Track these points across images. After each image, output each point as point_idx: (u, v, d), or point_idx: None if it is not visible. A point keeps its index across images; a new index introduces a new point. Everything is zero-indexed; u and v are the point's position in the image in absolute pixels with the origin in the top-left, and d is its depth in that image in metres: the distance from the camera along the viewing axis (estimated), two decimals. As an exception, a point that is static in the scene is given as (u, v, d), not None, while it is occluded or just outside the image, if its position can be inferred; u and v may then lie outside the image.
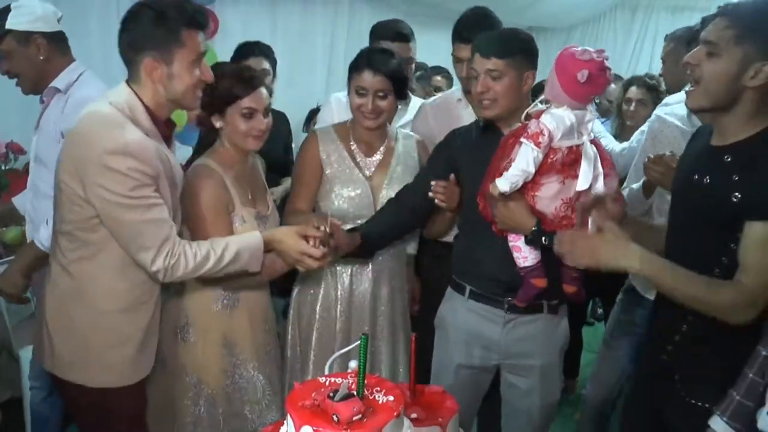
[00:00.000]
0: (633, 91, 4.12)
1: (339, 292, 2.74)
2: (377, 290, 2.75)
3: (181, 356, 2.49)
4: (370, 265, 2.72)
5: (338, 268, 2.73)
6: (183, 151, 4.31)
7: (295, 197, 2.74)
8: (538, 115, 2.19)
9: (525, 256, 2.27)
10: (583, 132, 2.19)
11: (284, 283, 2.90)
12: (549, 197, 2.19)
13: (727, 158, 1.87)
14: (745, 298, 1.77)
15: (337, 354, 1.51)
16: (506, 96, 2.35)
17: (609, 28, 10.16)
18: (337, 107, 3.34)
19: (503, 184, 2.12)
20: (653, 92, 4.08)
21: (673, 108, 3.02)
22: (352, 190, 2.68)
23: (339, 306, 2.73)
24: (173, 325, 2.49)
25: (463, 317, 2.48)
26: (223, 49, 4.99)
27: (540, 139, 2.12)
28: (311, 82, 5.56)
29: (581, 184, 2.16)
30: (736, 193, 1.81)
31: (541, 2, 7.79)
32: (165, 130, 2.24)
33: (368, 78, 2.61)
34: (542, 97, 2.23)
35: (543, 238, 2.20)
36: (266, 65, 3.59)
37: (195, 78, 2.14)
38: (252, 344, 2.55)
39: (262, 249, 2.26)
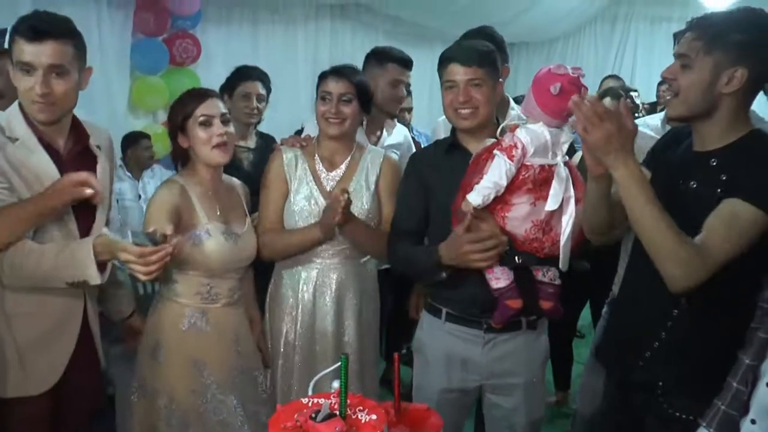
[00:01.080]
0: (608, 102, 4.10)
1: (301, 305, 2.72)
2: (342, 298, 2.73)
3: (155, 378, 2.48)
4: (333, 286, 2.71)
5: (301, 288, 2.72)
6: (166, 176, 4.35)
7: (265, 215, 2.71)
8: (513, 129, 2.20)
9: (497, 277, 2.24)
10: (558, 152, 2.18)
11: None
12: (520, 218, 2.17)
13: (713, 162, 1.88)
14: (701, 262, 1.74)
15: (319, 375, 1.51)
16: (486, 105, 2.36)
17: (590, 40, 10.27)
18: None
19: (475, 197, 2.12)
20: (630, 104, 4.11)
21: (645, 119, 3.05)
22: (308, 205, 2.66)
23: (298, 327, 2.72)
24: (149, 346, 2.49)
25: (441, 340, 2.44)
26: (206, 74, 5.05)
27: (513, 152, 2.12)
28: (294, 104, 5.57)
29: (550, 204, 2.14)
30: (719, 189, 1.82)
31: (522, 17, 7.86)
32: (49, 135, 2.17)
33: (332, 83, 2.63)
34: (516, 112, 2.25)
35: (516, 258, 2.19)
36: (262, 90, 3.60)
37: (23, 85, 2.07)
38: (221, 365, 2.51)
39: (92, 255, 2.04)
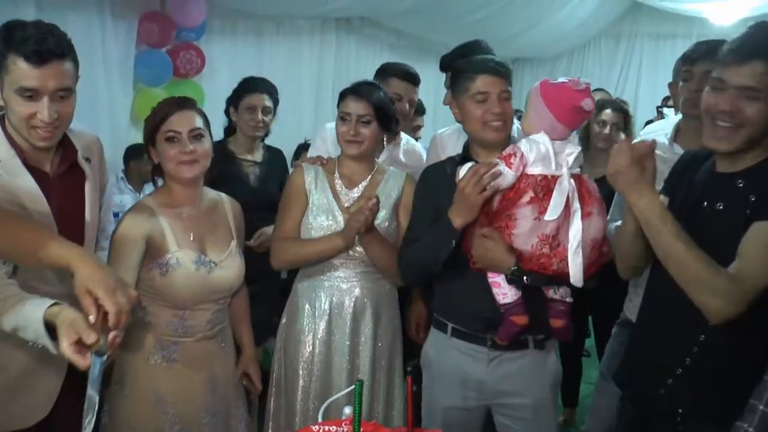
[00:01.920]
0: (608, 114, 4.00)
1: (319, 326, 2.68)
2: (357, 326, 2.69)
3: (119, 409, 2.34)
4: (353, 301, 2.67)
5: (319, 302, 2.68)
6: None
7: (281, 225, 2.69)
8: None
9: (504, 292, 2.21)
10: (563, 164, 2.16)
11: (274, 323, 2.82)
12: (525, 234, 2.13)
13: (740, 183, 1.85)
14: (739, 290, 1.70)
15: (330, 399, 1.47)
16: (512, 117, 2.39)
17: (594, 57, 10.30)
18: (331, 136, 3.33)
19: (463, 169, 2.16)
20: (625, 117, 4.04)
21: (652, 137, 3.01)
22: (326, 220, 2.65)
23: (317, 346, 2.67)
24: (117, 374, 2.35)
25: (446, 356, 2.41)
26: (210, 85, 5.04)
27: (512, 160, 2.13)
28: (299, 117, 5.57)
29: (549, 213, 2.10)
30: (748, 211, 1.79)
31: (526, 33, 7.87)
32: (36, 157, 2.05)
33: (351, 104, 2.63)
34: (516, 125, 2.25)
35: (525, 278, 2.15)
36: (268, 103, 3.55)
37: (25, 112, 1.93)
38: (188, 405, 2.35)
39: (42, 326, 1.68)
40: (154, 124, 2.31)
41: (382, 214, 2.61)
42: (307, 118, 5.82)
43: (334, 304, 2.67)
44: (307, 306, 2.70)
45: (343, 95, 2.69)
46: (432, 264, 2.31)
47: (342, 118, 2.65)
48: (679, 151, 2.62)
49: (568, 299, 2.26)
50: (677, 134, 2.80)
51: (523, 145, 2.15)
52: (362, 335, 2.69)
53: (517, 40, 7.82)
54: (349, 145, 2.64)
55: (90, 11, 4.41)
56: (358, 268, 2.67)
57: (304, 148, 4.65)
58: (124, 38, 4.66)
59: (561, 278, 2.17)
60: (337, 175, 2.72)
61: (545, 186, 2.13)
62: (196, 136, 2.31)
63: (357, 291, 2.67)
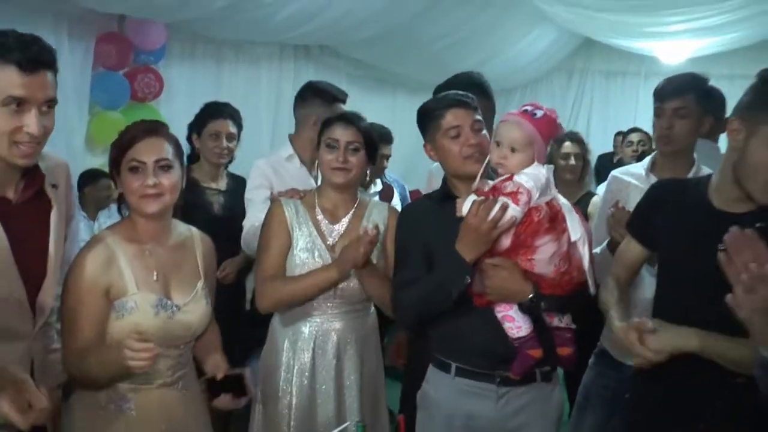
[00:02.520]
0: (568, 146, 4.14)
1: (301, 368, 2.59)
2: (342, 361, 2.60)
3: None
4: (333, 333, 2.59)
5: (299, 345, 2.59)
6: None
7: (265, 264, 2.56)
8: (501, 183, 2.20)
9: (519, 325, 2.18)
10: (551, 186, 2.21)
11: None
12: (547, 258, 2.14)
13: (759, 225, 1.78)
14: None
15: None
16: (488, 146, 2.35)
17: (547, 91, 10.47)
18: (261, 173, 3.23)
19: (467, 203, 2.15)
20: (583, 146, 4.18)
21: (628, 168, 3.07)
22: (311, 257, 2.55)
23: (303, 383, 2.58)
24: (67, 419, 2.20)
25: (449, 397, 2.31)
26: (168, 110, 4.98)
27: (519, 198, 2.12)
28: (256, 144, 5.51)
29: (574, 234, 2.16)
30: None
31: (483, 66, 7.91)
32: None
33: (339, 131, 2.56)
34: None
35: (542, 303, 2.15)
36: (233, 129, 3.49)
37: (9, 125, 1.79)
38: None
39: None
40: (118, 150, 2.12)
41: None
42: (264, 144, 5.78)
43: (317, 345, 2.57)
44: (286, 346, 2.60)
45: (330, 122, 2.61)
46: (442, 302, 2.23)
47: (329, 145, 2.55)
48: (654, 180, 2.68)
49: (572, 325, 2.26)
50: (653, 165, 2.88)
51: (525, 180, 2.15)
52: (347, 373, 2.60)
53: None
54: (336, 174, 2.55)
55: (45, 31, 4.30)
56: (343, 307, 2.58)
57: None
58: (80, 60, 4.57)
59: (574, 297, 2.19)
60: (318, 209, 2.62)
61: (552, 210, 2.18)
62: (163, 167, 2.11)
63: (339, 329, 2.58)
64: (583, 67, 10.44)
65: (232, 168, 3.70)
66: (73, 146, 4.49)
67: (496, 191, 2.18)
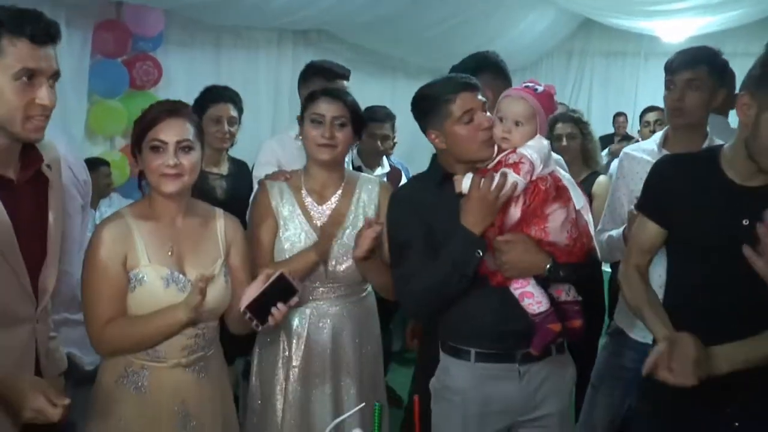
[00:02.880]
0: (560, 127, 4.06)
1: (296, 355, 2.55)
2: (338, 346, 2.56)
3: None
4: (328, 320, 2.55)
5: (294, 323, 2.55)
6: (125, 204, 4.23)
7: (258, 259, 2.49)
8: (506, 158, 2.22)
9: (539, 300, 2.17)
10: (552, 158, 2.26)
11: (242, 341, 2.66)
12: (559, 225, 2.16)
13: None
14: None
15: (336, 421, 1.42)
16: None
17: (546, 73, 10.44)
18: (282, 146, 3.27)
19: (466, 180, 2.17)
20: (580, 124, 4.12)
21: (641, 144, 3.03)
22: (299, 241, 2.50)
23: (297, 370, 2.54)
24: (91, 395, 2.24)
25: (472, 384, 2.27)
26: (167, 96, 4.92)
27: (521, 168, 2.15)
28: (256, 129, 5.48)
29: (578, 201, 2.19)
30: None
31: (483, 49, 7.94)
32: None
33: (324, 105, 2.48)
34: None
35: (560, 272, 2.17)
36: (234, 113, 3.46)
37: (22, 98, 1.81)
38: None
39: None
40: (140, 129, 2.15)
41: (360, 226, 2.45)
42: (264, 129, 5.76)
43: (311, 330, 2.53)
44: (282, 334, 2.55)
45: (314, 96, 2.53)
46: (457, 283, 2.20)
47: (314, 120, 2.47)
48: None
49: (579, 297, 2.28)
50: (666, 140, 2.84)
51: (528, 152, 2.17)
52: (344, 359, 2.55)
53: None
54: (322, 150, 2.48)
55: (43, 19, 4.32)
56: (337, 291, 2.55)
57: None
58: (78, 48, 4.54)
59: (585, 264, 2.23)
60: (304, 190, 2.56)
61: (555, 180, 2.21)
62: (184, 147, 2.14)
63: (335, 312, 2.55)
64: (582, 48, 10.42)
65: (233, 152, 3.68)
66: (72, 135, 4.46)
67: (500, 165, 2.19)
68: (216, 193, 3.38)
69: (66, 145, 2.53)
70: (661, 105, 2.97)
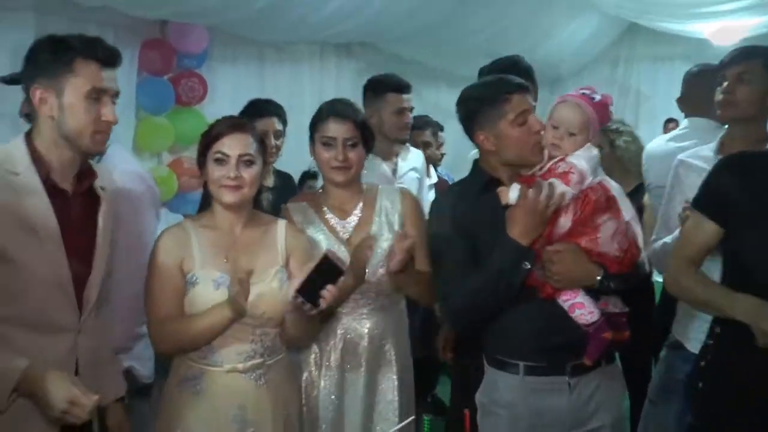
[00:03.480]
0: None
1: (332, 365, 2.54)
2: (373, 362, 2.53)
3: None
4: (365, 330, 2.53)
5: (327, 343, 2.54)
6: (172, 219, 4.28)
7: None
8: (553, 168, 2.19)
9: (591, 310, 2.15)
10: (600, 168, 2.23)
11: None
12: (610, 235, 2.13)
13: None
14: None
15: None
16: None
17: (591, 82, 10.18)
18: None
19: (513, 190, 2.13)
20: (608, 133, 4.00)
21: (696, 151, 2.92)
22: None
23: (332, 381, 2.53)
24: (154, 403, 2.35)
25: (521, 399, 2.24)
26: (212, 113, 5.00)
27: (570, 178, 2.12)
28: (301, 143, 5.50)
29: (627, 213, 2.17)
30: None
31: (525, 58, 7.88)
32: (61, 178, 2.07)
33: (334, 127, 2.47)
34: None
35: (611, 283, 2.14)
36: (279, 126, 3.47)
37: (91, 114, 2.01)
38: None
39: (9, 387, 1.85)
40: (206, 142, 2.28)
41: (388, 238, 2.46)
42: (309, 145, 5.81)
43: (347, 342, 2.51)
44: (315, 347, 2.55)
45: (322, 117, 2.51)
46: (503, 293, 2.17)
47: (325, 143, 2.47)
48: None
49: (625, 309, 2.25)
50: (722, 146, 2.75)
51: (577, 161, 2.14)
52: (381, 374, 2.52)
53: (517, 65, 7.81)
54: (337, 173, 2.48)
55: (92, 39, 4.41)
56: (370, 304, 2.52)
57: (309, 176, 4.58)
58: (125, 66, 4.59)
59: (635, 275, 2.21)
60: (325, 208, 2.56)
61: (605, 190, 2.18)
62: (246, 161, 2.26)
63: (371, 327, 2.52)
64: (628, 54, 10.24)
65: (277, 165, 3.70)
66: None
67: (549, 173, 2.16)
68: (262, 206, 3.38)
69: (128, 157, 2.74)
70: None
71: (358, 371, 2.51)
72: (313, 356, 2.55)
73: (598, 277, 2.12)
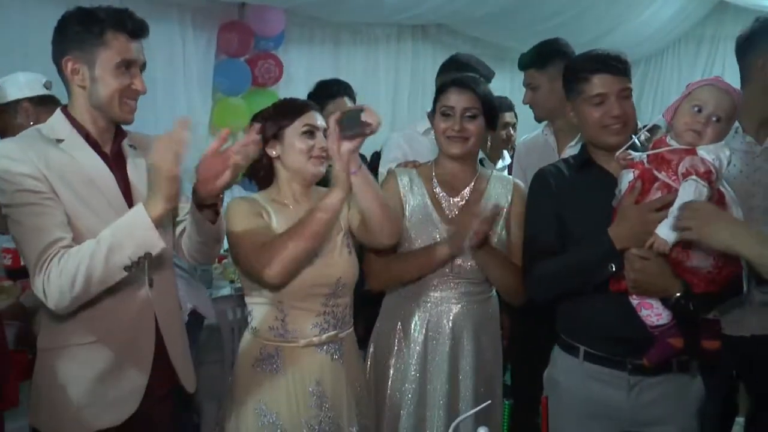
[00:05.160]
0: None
1: (412, 351, 2.47)
2: (457, 347, 2.45)
3: (227, 417, 2.30)
4: (450, 319, 2.45)
5: (414, 323, 2.47)
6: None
7: None
8: (658, 142, 2.03)
9: (659, 313, 2.01)
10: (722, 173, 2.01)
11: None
12: (706, 249, 1.93)
13: None
14: None
15: (462, 417, 1.39)
16: (633, 117, 2.20)
17: (673, 62, 9.96)
18: (396, 145, 3.33)
19: (669, 234, 1.89)
20: None
21: None
22: (425, 231, 2.42)
23: (412, 368, 2.46)
24: (229, 386, 2.34)
25: (579, 382, 2.19)
26: (288, 94, 5.02)
27: (711, 177, 1.91)
28: (375, 126, 5.54)
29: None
30: None
31: (605, 38, 7.67)
32: (100, 139, 2.10)
33: (454, 96, 2.39)
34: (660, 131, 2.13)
35: (690, 304, 1.96)
36: (351, 105, 3.52)
37: (122, 84, 2.03)
38: (293, 417, 2.23)
39: (145, 213, 1.86)
40: (286, 118, 2.28)
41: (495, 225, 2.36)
42: (384, 125, 5.80)
43: (430, 328, 2.44)
44: (399, 328, 2.49)
45: (444, 87, 2.45)
46: (580, 285, 2.12)
47: (444, 113, 2.40)
48: None
49: (719, 317, 2.08)
50: None
51: (713, 158, 1.94)
52: (463, 361, 2.45)
53: (592, 45, 7.63)
54: (453, 143, 2.40)
55: (171, 23, 4.51)
56: (459, 288, 2.44)
57: (378, 157, 4.58)
58: (204, 48, 4.74)
59: (726, 294, 2.04)
60: (435, 181, 2.50)
61: (720, 198, 1.98)
62: (325, 136, 2.27)
63: (456, 312, 2.44)
64: (713, 33, 9.85)
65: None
66: (197, 133, 4.63)
67: (664, 165, 1.97)
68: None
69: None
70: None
71: (443, 355, 2.45)
72: (396, 337, 2.50)
73: (677, 294, 1.97)
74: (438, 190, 2.48)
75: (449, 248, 2.34)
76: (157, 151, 1.84)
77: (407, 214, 2.46)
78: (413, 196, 2.47)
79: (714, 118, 1.96)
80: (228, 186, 1.94)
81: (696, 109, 1.97)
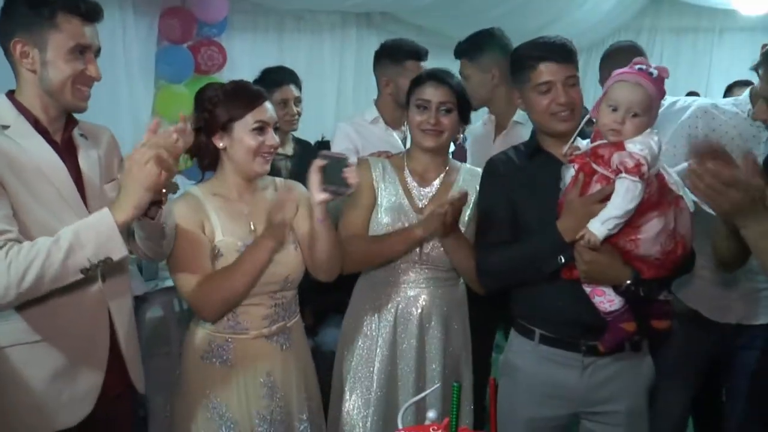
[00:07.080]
0: None
1: (382, 333, 2.52)
2: (425, 331, 2.51)
3: (174, 410, 2.31)
4: (419, 309, 2.50)
5: (385, 303, 2.53)
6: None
7: (349, 223, 2.51)
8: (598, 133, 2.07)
9: (611, 300, 2.06)
10: (659, 157, 2.04)
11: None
12: (653, 236, 1.99)
13: None
14: None
15: (411, 401, 1.41)
16: (581, 104, 2.23)
17: (613, 52, 10.14)
18: (345, 135, 3.33)
19: (600, 229, 1.96)
20: None
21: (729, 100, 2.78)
22: (397, 220, 2.48)
23: (381, 351, 2.51)
24: (177, 373, 2.33)
25: (534, 364, 2.25)
26: (231, 81, 5.01)
27: (643, 170, 1.94)
28: (320, 113, 5.53)
29: (691, 206, 2.03)
30: None
31: (547, 29, 7.74)
32: (49, 126, 2.02)
33: (430, 90, 2.44)
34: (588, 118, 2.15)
35: (640, 289, 2.03)
36: (297, 92, 3.49)
37: (75, 70, 1.96)
38: (242, 409, 2.24)
39: (112, 220, 1.80)
40: (237, 111, 2.22)
41: (462, 214, 2.41)
42: (328, 112, 5.79)
43: (400, 312, 2.49)
44: (369, 312, 2.54)
45: (420, 81, 2.49)
46: (530, 276, 2.17)
47: (419, 106, 2.44)
48: None
49: (669, 297, 2.16)
50: None
51: (639, 150, 1.97)
52: (430, 345, 2.50)
53: (535, 35, 7.71)
54: (427, 136, 2.45)
55: (111, 7, 4.39)
56: (427, 273, 2.50)
57: (321, 145, 4.57)
58: (145, 34, 4.64)
59: (674, 275, 2.10)
60: (407, 171, 2.55)
61: (661, 183, 2.02)
62: (275, 129, 2.30)
63: (425, 298, 2.49)
64: (651, 24, 10.07)
65: (296, 134, 3.70)
66: (139, 119, 4.54)
67: (599, 159, 2.01)
68: (281, 174, 3.41)
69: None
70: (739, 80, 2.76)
71: (411, 339, 2.50)
72: (366, 321, 2.55)
73: (628, 282, 2.03)
74: (410, 180, 2.54)
75: (423, 230, 2.38)
76: (134, 161, 1.77)
77: (379, 201, 2.51)
78: (386, 185, 2.52)
79: (630, 114, 2.00)
80: (165, 185, 1.85)
81: (612, 108, 2.02)
